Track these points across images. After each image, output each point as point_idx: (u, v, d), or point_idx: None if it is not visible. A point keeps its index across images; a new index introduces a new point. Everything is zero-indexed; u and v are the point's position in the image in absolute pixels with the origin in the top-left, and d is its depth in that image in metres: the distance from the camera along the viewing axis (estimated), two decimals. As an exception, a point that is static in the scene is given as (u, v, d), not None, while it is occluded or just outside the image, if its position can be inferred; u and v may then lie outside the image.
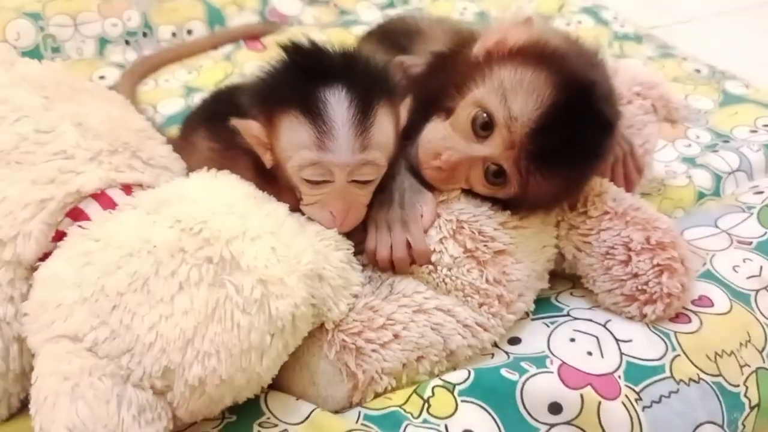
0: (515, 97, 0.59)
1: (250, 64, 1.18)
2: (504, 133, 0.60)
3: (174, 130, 0.87)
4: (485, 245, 0.63)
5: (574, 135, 0.59)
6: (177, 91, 1.13)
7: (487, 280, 0.62)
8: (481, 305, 0.62)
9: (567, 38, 0.68)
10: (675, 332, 0.64)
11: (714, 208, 0.83)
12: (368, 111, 0.58)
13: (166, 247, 0.53)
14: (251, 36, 1.29)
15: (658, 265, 0.64)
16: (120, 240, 0.54)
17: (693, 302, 0.67)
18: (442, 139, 0.64)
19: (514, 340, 0.66)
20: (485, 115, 0.61)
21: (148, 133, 0.70)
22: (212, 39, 1.27)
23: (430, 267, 0.63)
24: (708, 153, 0.96)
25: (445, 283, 0.62)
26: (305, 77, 0.59)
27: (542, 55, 0.61)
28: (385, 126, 0.60)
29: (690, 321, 0.66)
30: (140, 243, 0.53)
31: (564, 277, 0.73)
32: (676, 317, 0.66)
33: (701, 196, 0.90)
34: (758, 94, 1.12)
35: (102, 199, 0.60)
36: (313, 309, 0.58)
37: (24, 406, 0.58)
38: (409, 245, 0.62)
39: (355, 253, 0.63)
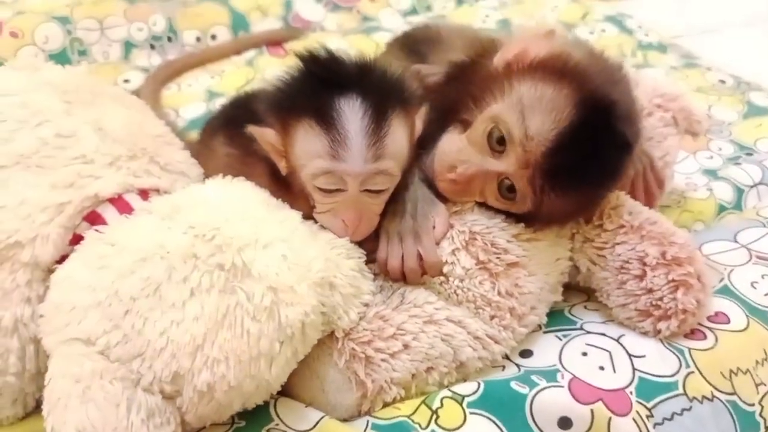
0: (533, 116, 0.59)
1: (272, 69, 1.17)
2: (519, 151, 0.60)
3: (195, 135, 0.88)
4: (498, 257, 0.63)
5: (590, 154, 0.59)
6: (199, 96, 1.14)
7: (499, 293, 0.62)
8: (492, 317, 0.62)
9: (590, 52, 0.67)
10: (689, 349, 0.63)
11: (734, 223, 0.82)
12: (382, 121, 0.58)
13: (179, 252, 0.54)
14: (274, 42, 1.30)
15: (673, 280, 0.63)
16: (135, 245, 0.55)
17: (709, 318, 0.66)
18: (458, 152, 0.64)
19: (526, 353, 0.65)
20: (502, 130, 0.61)
21: (166, 138, 0.71)
22: (236, 44, 1.28)
23: (442, 278, 0.63)
24: (730, 165, 0.95)
25: (457, 295, 0.62)
26: (321, 86, 0.59)
27: (563, 71, 0.60)
28: (399, 136, 0.60)
29: (705, 337, 0.64)
30: (154, 248, 0.54)
31: (578, 290, 0.72)
32: (691, 333, 0.65)
33: (722, 209, 0.89)
34: (785, 106, 1.10)
35: (119, 203, 0.61)
36: (323, 317, 0.58)
37: (39, 405, 0.59)
38: (420, 256, 0.62)
39: (367, 262, 0.63)
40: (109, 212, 0.61)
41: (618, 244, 0.65)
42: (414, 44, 0.82)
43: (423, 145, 0.66)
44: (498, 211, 0.65)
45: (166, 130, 0.72)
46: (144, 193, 0.63)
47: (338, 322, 0.59)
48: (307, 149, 0.59)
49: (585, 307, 0.71)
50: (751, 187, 0.91)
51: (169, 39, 1.26)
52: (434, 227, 0.64)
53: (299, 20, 1.36)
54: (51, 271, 0.58)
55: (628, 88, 0.66)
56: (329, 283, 0.58)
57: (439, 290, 0.63)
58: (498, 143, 0.62)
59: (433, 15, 1.45)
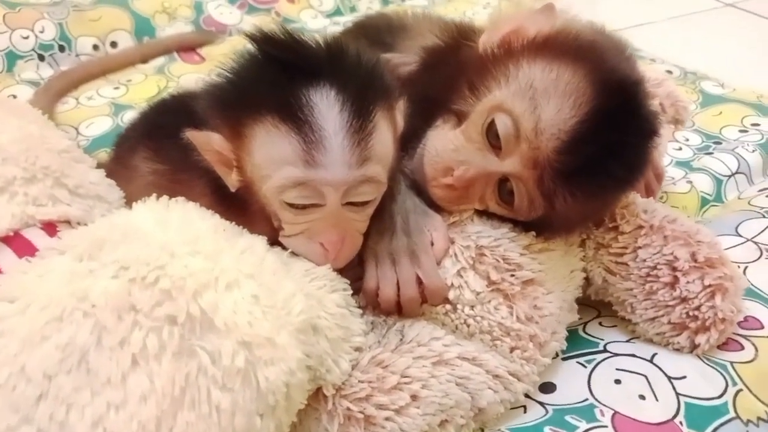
0: (547, 102, 0.48)
1: (188, 77, 1.04)
2: (524, 148, 0.49)
3: (102, 155, 0.74)
4: (512, 275, 0.52)
5: (614, 145, 0.49)
6: (103, 110, 0.98)
7: (518, 318, 0.51)
8: (512, 349, 0.51)
9: (592, 26, 0.58)
10: (731, 363, 0.55)
11: (731, 215, 0.75)
12: (366, 116, 0.46)
13: (110, 305, 0.40)
14: (186, 47, 1.16)
15: (709, 285, 0.54)
16: (44, 299, 0.40)
17: (740, 325, 0.58)
18: (454, 150, 0.53)
19: (548, 387, 0.55)
20: (507, 123, 0.50)
21: (74, 154, 0.56)
22: (141, 50, 1.13)
23: (448, 306, 0.51)
24: (703, 156, 0.90)
25: (468, 325, 0.51)
26: (283, 75, 0.46)
27: (577, 49, 0.51)
28: (384, 134, 0.49)
29: (743, 348, 0.57)
30: (73, 302, 0.40)
31: (586, 305, 0.62)
32: (726, 344, 0.57)
33: (704, 202, 0.83)
34: (737, 93, 1.07)
35: (16, 243, 0.48)
36: (309, 372, 0.45)
37: None
38: (419, 281, 0.50)
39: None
40: (3, 256, 0.45)
41: (640, 248, 0.56)
42: (375, 34, 0.71)
43: (403, 145, 0.54)
44: (502, 220, 0.55)
45: (71, 145, 0.57)
46: (50, 227, 0.49)
47: (327, 375, 0.46)
48: (271, 155, 0.46)
49: (600, 324, 0.61)
50: (729, 176, 0.86)
51: (61, 48, 1.10)
52: (432, 243, 0.52)
53: (212, 23, 1.24)
54: None
55: (639, 69, 0.58)
56: (312, 327, 0.45)
57: (443, 321, 0.51)
58: (497, 138, 0.51)
59: (359, 15, 1.35)
